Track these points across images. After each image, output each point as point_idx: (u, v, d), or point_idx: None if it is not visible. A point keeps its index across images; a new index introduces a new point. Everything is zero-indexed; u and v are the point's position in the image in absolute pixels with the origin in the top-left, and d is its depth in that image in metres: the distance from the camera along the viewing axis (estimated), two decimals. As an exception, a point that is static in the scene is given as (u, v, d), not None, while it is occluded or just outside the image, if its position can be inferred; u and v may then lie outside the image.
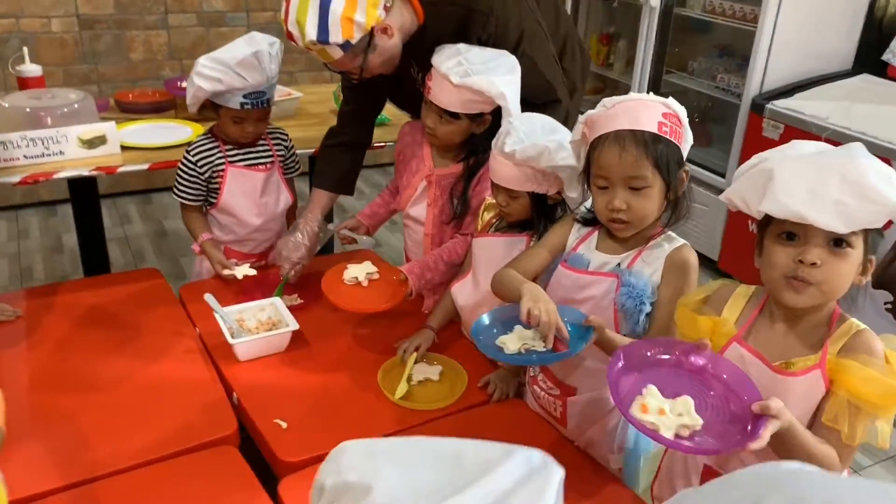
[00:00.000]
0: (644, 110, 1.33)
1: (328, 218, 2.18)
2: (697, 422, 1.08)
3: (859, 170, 1.03)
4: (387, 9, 1.73)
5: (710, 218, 3.31)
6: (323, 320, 1.86)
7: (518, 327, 1.32)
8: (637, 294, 1.35)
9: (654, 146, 1.31)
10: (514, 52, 1.84)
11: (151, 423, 1.51)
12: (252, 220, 2.06)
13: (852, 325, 1.13)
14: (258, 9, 3.80)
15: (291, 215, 2.19)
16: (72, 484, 1.35)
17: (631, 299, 1.35)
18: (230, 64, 1.86)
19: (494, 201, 1.69)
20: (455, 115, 1.74)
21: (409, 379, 1.66)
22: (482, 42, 1.80)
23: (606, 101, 1.38)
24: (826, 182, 1.03)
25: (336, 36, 1.66)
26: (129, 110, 2.47)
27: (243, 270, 1.95)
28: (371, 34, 1.71)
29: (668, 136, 1.33)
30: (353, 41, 1.69)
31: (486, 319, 1.38)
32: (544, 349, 1.27)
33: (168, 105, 2.49)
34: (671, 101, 1.37)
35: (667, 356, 1.19)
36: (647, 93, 1.40)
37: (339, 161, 2.09)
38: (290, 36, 1.71)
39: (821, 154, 1.10)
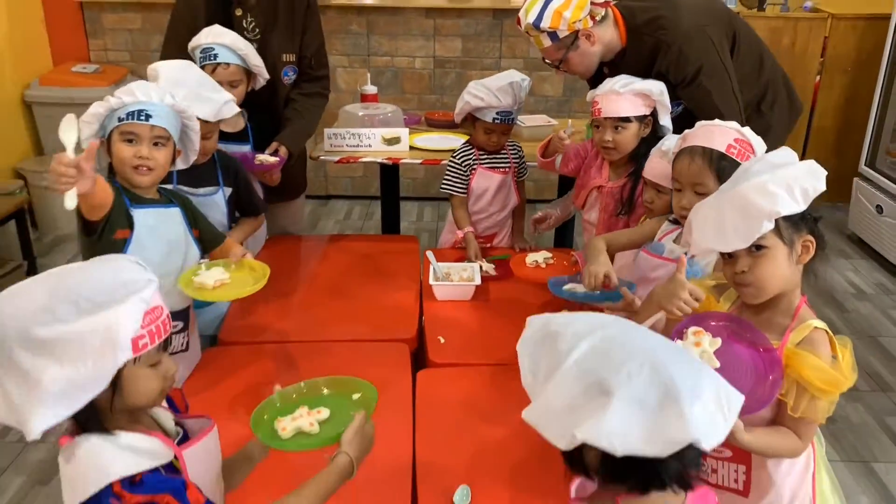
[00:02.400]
0: (718, 133, 1.69)
1: None
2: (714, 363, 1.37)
3: (740, 194, 1.33)
4: (595, 20, 2.25)
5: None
6: (506, 287, 2.41)
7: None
8: (689, 276, 1.68)
9: (719, 162, 1.66)
10: (691, 81, 2.23)
11: (363, 319, 2.23)
12: (485, 208, 2.70)
13: (812, 324, 1.38)
14: (574, 57, 4.48)
15: (520, 214, 2.79)
16: (298, 340, 2.14)
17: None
18: (492, 88, 2.53)
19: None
20: (626, 120, 2.19)
21: None
22: (661, 70, 2.23)
23: (698, 123, 1.76)
24: (722, 216, 1.35)
25: (546, 23, 2.22)
26: (433, 125, 3.32)
27: (487, 266, 2.50)
28: (576, 35, 2.24)
29: (734, 157, 1.66)
30: (560, 34, 2.23)
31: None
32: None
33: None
34: (747, 130, 1.69)
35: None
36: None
37: None
38: (518, 21, 2.32)
39: (720, 191, 1.41)
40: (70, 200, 1.51)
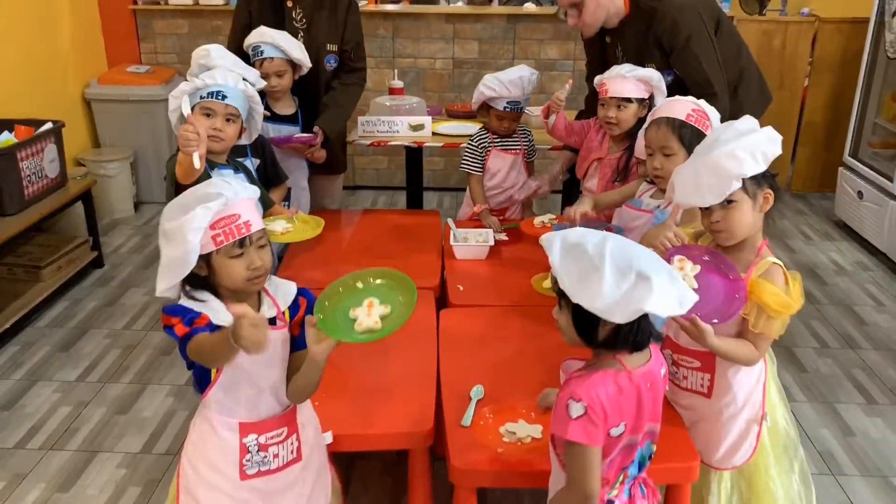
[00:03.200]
0: (678, 105, 2.09)
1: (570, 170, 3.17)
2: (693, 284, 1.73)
3: (712, 159, 1.65)
4: None
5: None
6: (515, 249, 2.83)
7: None
8: (657, 221, 2.08)
9: (681, 128, 2.05)
10: (683, 48, 2.64)
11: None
12: (500, 185, 3.11)
13: (770, 260, 1.74)
14: (581, 58, 4.88)
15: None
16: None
17: (655, 227, 2.08)
18: (503, 80, 2.93)
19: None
20: (628, 100, 2.57)
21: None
22: (658, 36, 2.63)
23: (661, 102, 2.16)
24: (698, 176, 1.67)
25: None
26: (452, 115, 3.74)
27: (499, 237, 2.91)
28: None
29: (693, 123, 2.05)
30: None
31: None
32: None
33: (475, 114, 3.69)
34: (702, 102, 2.09)
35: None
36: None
37: None
38: None
39: (696, 155, 1.73)
40: (197, 161, 1.94)
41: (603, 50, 2.70)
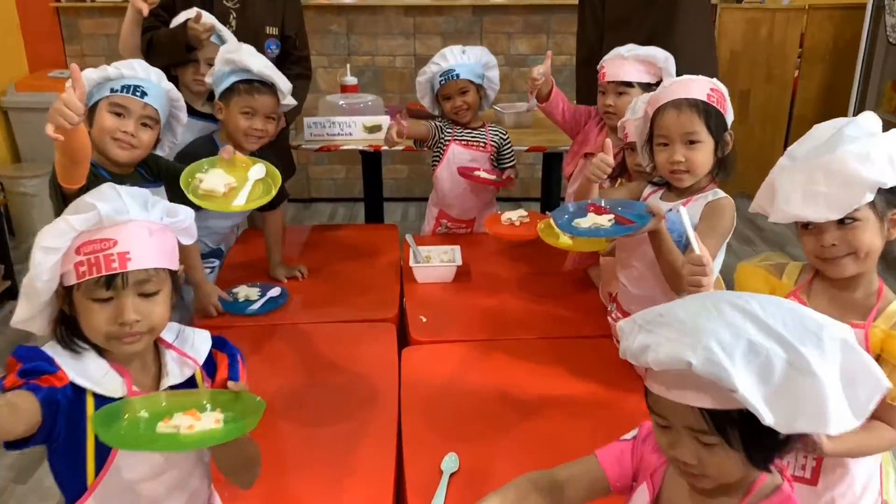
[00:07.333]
0: (695, 84, 1.65)
1: None
2: None
3: (839, 160, 1.22)
4: None
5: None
6: (486, 266, 2.41)
7: (591, 214, 1.69)
8: (673, 227, 1.63)
9: (704, 110, 1.61)
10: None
11: (345, 301, 2.20)
12: (460, 193, 2.66)
13: None
14: (557, 53, 4.49)
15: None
16: (288, 322, 2.10)
17: (670, 232, 1.64)
18: (430, 62, 2.54)
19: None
20: (629, 85, 2.15)
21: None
22: None
23: (665, 82, 1.73)
24: (815, 181, 1.24)
25: None
26: (413, 115, 3.29)
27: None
28: None
29: (714, 105, 1.63)
30: None
31: (570, 207, 1.76)
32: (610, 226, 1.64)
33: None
34: (716, 80, 1.67)
35: None
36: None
37: None
38: None
39: (812, 152, 1.29)
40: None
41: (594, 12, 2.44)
